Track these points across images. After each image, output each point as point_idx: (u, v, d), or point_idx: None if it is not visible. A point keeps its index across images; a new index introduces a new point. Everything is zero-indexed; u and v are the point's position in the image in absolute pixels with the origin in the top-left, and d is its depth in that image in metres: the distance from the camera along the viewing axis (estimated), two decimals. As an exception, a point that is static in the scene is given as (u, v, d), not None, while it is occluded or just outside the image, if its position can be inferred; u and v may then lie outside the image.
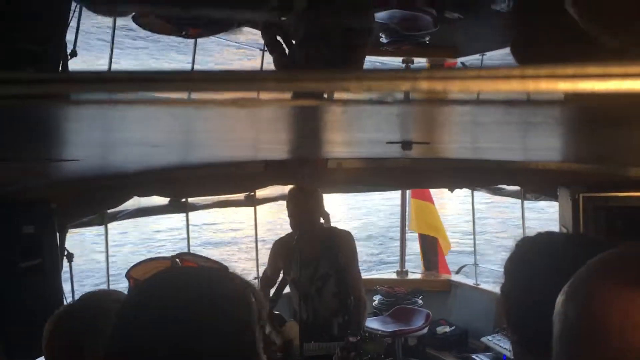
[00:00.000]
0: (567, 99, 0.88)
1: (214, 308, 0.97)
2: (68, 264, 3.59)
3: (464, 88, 0.66)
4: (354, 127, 1.50)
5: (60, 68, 1.97)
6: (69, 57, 2.12)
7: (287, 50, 3.17)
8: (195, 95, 0.79)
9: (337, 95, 0.81)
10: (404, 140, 2.04)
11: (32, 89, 0.68)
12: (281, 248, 3.90)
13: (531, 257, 1.20)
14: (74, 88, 0.74)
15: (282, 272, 3.90)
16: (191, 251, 4.94)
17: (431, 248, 6.60)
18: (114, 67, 4.09)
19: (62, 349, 1.54)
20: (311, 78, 0.70)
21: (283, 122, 1.27)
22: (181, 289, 0.99)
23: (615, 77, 0.57)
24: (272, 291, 4.02)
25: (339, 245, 3.75)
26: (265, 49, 4.69)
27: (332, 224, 4.13)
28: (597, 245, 1.22)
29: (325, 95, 0.86)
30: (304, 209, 3.71)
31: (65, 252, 3.53)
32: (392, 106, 0.86)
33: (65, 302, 3.51)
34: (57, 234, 3.27)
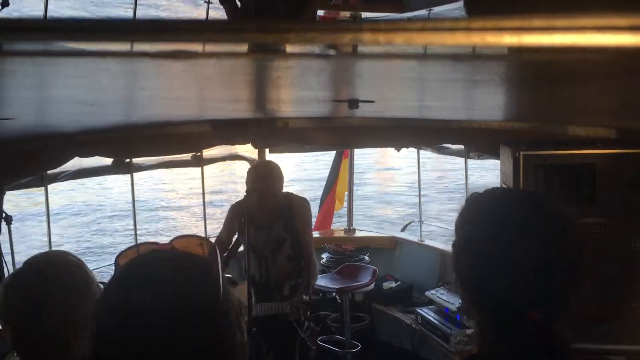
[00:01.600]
0: (510, 52, 0.89)
1: (197, 291, 0.98)
2: (7, 227, 3.49)
3: (408, 40, 0.65)
4: (300, 84, 1.49)
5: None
6: (1, 6, 2.01)
7: (238, 3, 3.11)
8: (135, 47, 0.76)
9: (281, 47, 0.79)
10: (350, 99, 2.03)
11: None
12: (236, 211, 3.91)
13: (477, 213, 1.23)
14: (4, 36, 0.69)
15: (237, 234, 3.90)
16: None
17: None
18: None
19: (16, 320, 1.49)
20: (254, 29, 0.68)
21: (226, 77, 1.24)
22: (165, 273, 0.99)
23: (560, 30, 0.57)
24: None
25: (296, 211, 3.80)
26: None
27: (287, 182, 4.12)
28: (538, 199, 1.26)
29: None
30: (262, 180, 3.68)
31: (4, 215, 3.42)
32: (337, 60, 0.85)
33: (4, 267, 3.42)
34: (-6, 197, 3.16)
